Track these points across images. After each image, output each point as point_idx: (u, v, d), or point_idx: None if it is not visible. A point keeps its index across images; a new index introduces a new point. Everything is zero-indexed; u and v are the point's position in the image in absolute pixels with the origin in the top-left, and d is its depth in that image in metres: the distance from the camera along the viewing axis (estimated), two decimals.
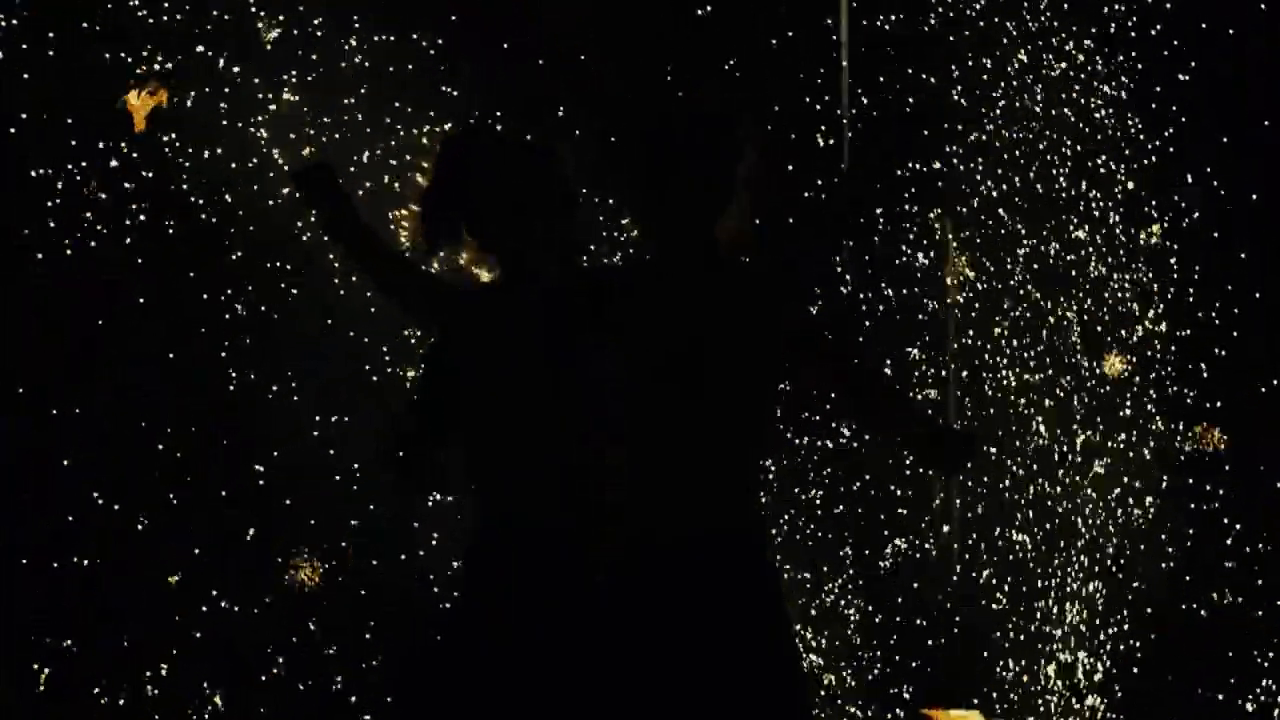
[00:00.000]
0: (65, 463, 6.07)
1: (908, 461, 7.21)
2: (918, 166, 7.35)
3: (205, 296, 6.32)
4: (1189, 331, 7.57)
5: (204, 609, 6.20)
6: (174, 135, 6.32)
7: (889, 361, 7.39)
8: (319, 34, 6.53)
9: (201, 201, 6.35)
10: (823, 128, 7.29)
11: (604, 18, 6.85)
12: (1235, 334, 7.52)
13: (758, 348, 4.11)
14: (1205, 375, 7.54)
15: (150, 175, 6.28)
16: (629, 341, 4.06)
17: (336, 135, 6.51)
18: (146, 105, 5.93)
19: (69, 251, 6.13)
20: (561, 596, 4.03)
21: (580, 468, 4.03)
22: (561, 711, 4.01)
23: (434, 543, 6.54)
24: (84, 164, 6.18)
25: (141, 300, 6.21)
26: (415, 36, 6.64)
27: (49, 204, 6.13)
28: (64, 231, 6.14)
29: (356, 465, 6.43)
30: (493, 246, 4.21)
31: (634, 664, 4.00)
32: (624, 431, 4.03)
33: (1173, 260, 7.58)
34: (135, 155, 6.25)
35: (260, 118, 6.43)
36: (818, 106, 7.28)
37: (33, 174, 6.11)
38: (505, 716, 4.02)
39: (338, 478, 6.42)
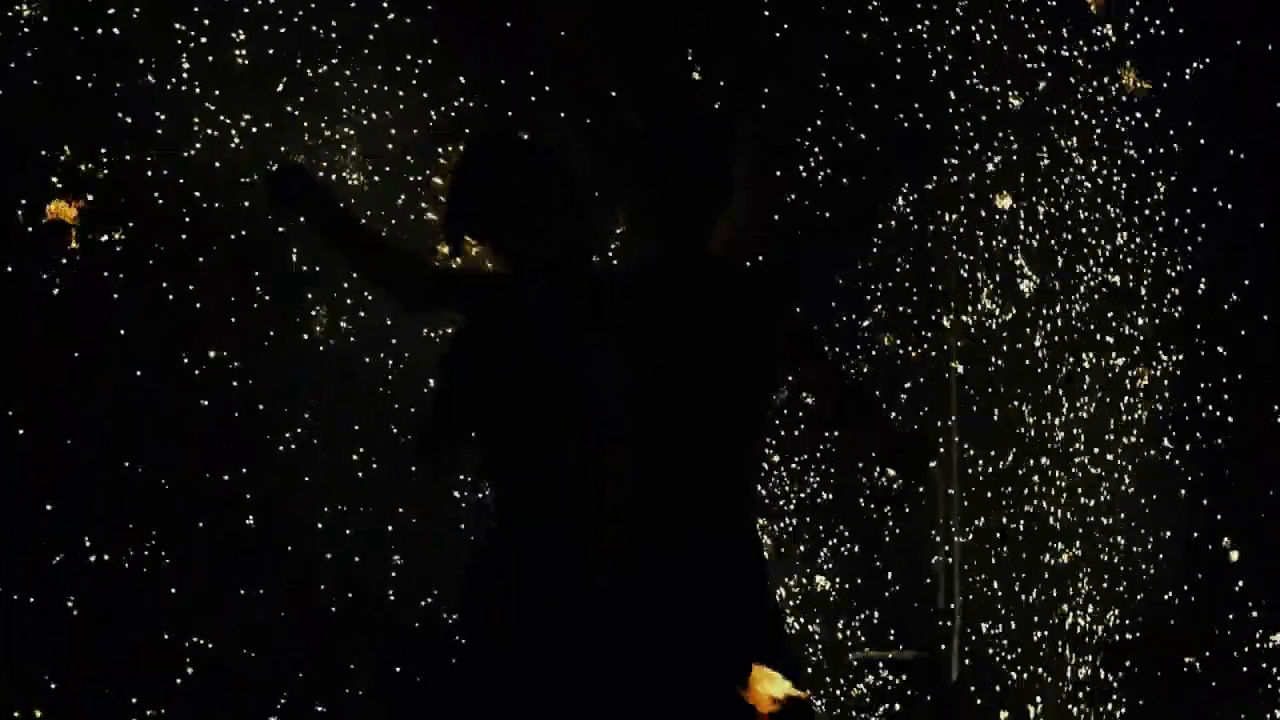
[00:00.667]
0: (59, 467, 6.08)
1: (877, 463, 7.21)
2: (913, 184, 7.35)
3: (200, 299, 6.33)
4: (1198, 335, 7.57)
5: (201, 616, 6.22)
6: (166, 136, 6.33)
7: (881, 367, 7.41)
8: (317, 37, 6.54)
9: (199, 204, 6.35)
10: (816, 148, 7.30)
11: (604, 17, 6.85)
12: (1241, 339, 7.53)
13: (757, 348, 4.12)
14: (1211, 388, 7.55)
15: (147, 178, 6.29)
16: (629, 341, 4.06)
17: (334, 138, 6.52)
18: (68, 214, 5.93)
19: (64, 254, 6.13)
20: (562, 596, 4.03)
21: (580, 468, 4.03)
22: (561, 710, 4.01)
23: (426, 549, 6.56)
24: (79, 166, 6.19)
25: (138, 302, 6.21)
26: (409, 20, 6.64)
27: (44, 205, 6.14)
28: (58, 233, 6.15)
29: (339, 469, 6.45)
30: (497, 246, 4.21)
31: (632, 662, 3.99)
32: (624, 431, 4.03)
33: (1173, 272, 7.58)
34: (130, 157, 6.26)
35: (255, 119, 6.44)
36: (818, 121, 7.29)
37: (28, 174, 6.12)
38: (506, 715, 4.01)
39: (329, 485, 6.43)
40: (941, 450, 7.43)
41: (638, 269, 4.27)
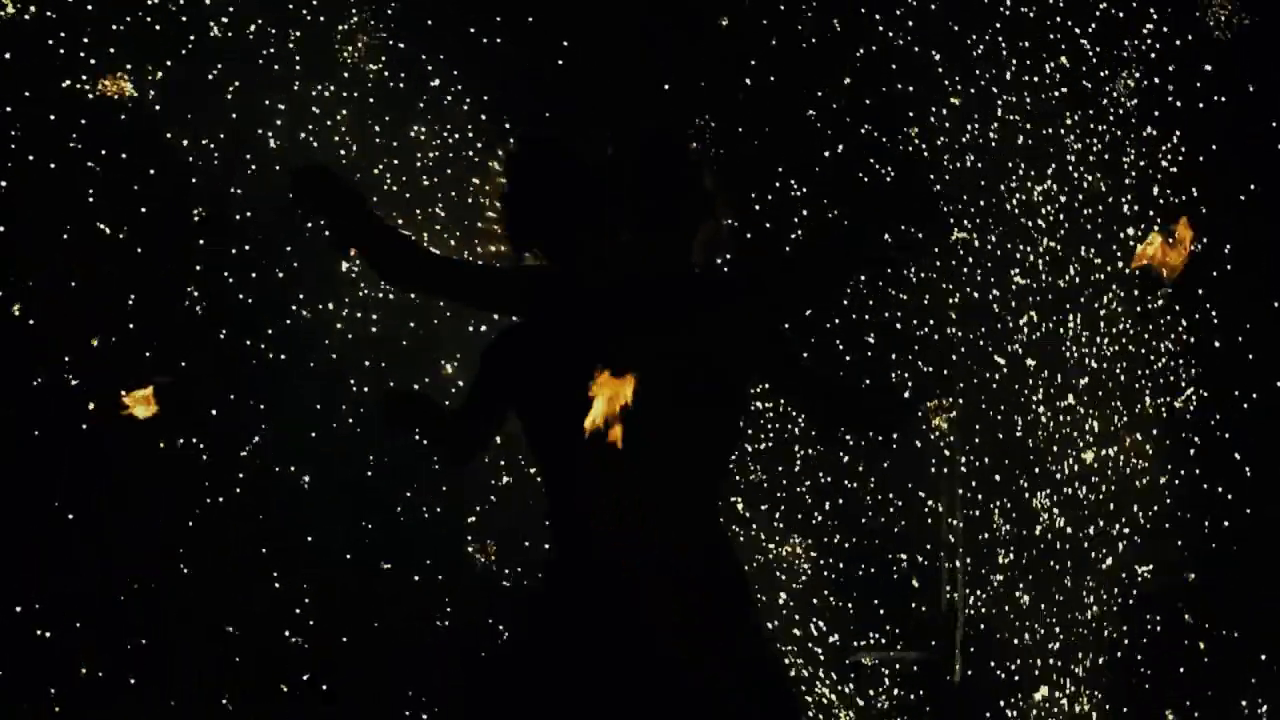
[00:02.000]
0: (49, 472, 6.14)
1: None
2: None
3: (201, 298, 6.38)
4: (1200, 336, 7.55)
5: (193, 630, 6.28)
6: (172, 139, 6.38)
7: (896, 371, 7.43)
8: (324, 39, 6.59)
9: (203, 204, 6.41)
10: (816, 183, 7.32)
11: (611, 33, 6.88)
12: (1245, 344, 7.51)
13: (730, 358, 4.13)
14: (1214, 386, 7.52)
15: (153, 178, 6.35)
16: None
17: (335, 140, 6.57)
18: None
19: (63, 254, 6.19)
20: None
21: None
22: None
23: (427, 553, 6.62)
24: (80, 165, 6.24)
25: (135, 302, 6.27)
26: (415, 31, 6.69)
27: (44, 204, 6.20)
28: (58, 233, 6.21)
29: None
30: (551, 255, 4.22)
31: (608, 677, 4.01)
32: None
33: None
34: (135, 158, 6.32)
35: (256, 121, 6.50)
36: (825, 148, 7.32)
37: (30, 173, 6.18)
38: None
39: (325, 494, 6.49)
40: (945, 448, 7.46)
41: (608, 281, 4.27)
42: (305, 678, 6.44)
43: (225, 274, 6.37)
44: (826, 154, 7.37)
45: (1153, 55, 7.49)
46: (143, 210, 6.28)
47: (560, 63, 6.86)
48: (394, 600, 6.51)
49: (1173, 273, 4.63)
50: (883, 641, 7.48)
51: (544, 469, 4.12)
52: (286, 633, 6.43)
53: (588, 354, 4.02)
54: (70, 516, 6.18)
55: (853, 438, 7.30)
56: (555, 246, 4.15)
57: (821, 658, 7.36)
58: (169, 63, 6.36)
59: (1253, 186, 7.42)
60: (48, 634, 6.15)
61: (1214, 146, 7.45)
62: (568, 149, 4.16)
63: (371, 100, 6.65)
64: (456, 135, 6.77)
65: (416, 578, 6.60)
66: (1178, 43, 7.45)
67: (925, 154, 7.40)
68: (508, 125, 6.72)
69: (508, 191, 4.17)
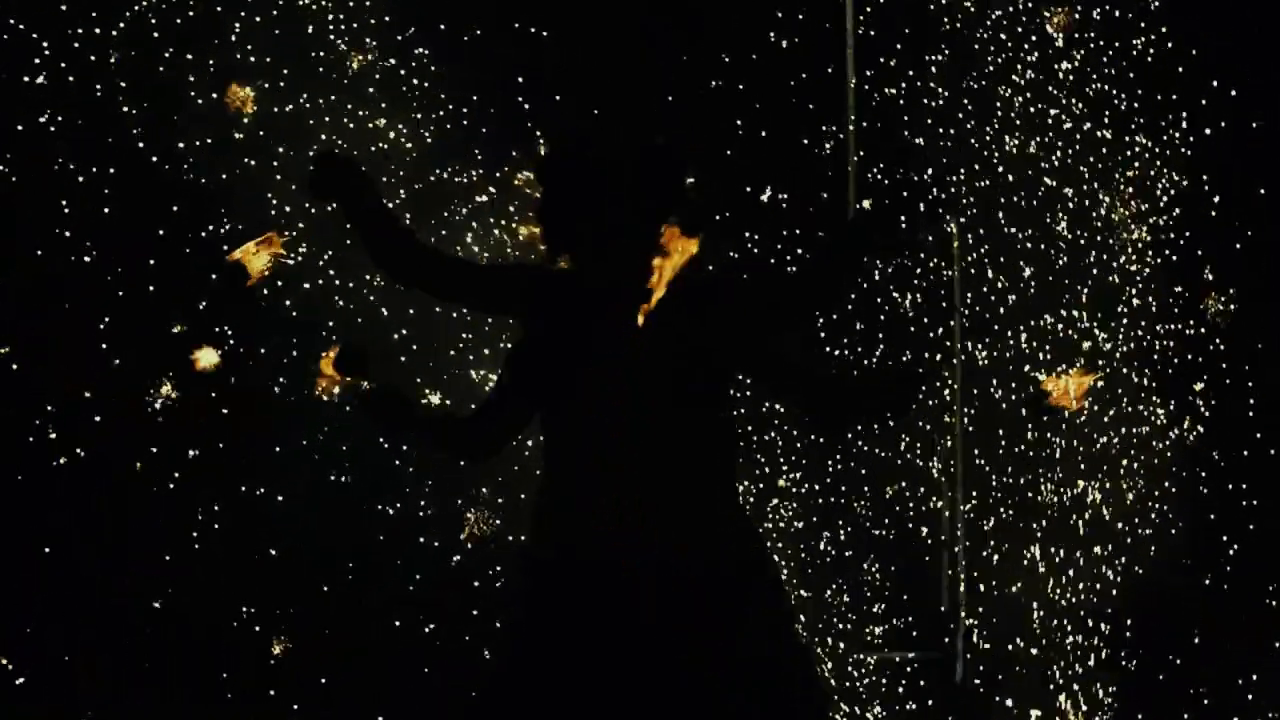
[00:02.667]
0: (57, 466, 6.13)
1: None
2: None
3: (201, 298, 6.38)
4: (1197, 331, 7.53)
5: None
6: (172, 138, 6.38)
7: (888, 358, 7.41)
8: (314, 37, 6.59)
9: (202, 202, 6.41)
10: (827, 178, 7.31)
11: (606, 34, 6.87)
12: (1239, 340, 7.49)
13: (730, 358, 4.13)
14: (1208, 381, 7.50)
15: (152, 178, 6.34)
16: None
17: (334, 137, 6.57)
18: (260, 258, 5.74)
19: (63, 252, 6.19)
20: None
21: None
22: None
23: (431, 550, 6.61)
24: (82, 164, 6.24)
25: (136, 301, 6.26)
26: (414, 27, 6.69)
27: (44, 204, 6.20)
28: (60, 232, 6.21)
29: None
30: (580, 260, 4.21)
31: (608, 678, 4.01)
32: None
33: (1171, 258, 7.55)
34: (137, 156, 6.31)
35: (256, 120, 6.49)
36: (827, 148, 7.30)
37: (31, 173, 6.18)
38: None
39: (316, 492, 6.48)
40: (947, 443, 7.44)
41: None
42: (301, 683, 6.43)
43: (209, 278, 6.36)
44: (822, 153, 7.36)
45: (1150, 60, 7.49)
46: (108, 211, 6.26)
47: (560, 63, 6.85)
48: (390, 603, 6.51)
49: (1067, 408, 4.80)
50: (883, 642, 7.47)
51: (557, 468, 4.13)
52: (283, 637, 6.42)
53: (591, 354, 4.02)
54: (64, 526, 6.18)
55: (858, 431, 7.29)
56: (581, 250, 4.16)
57: (819, 659, 7.35)
58: (151, 62, 6.35)
59: (1261, 190, 7.41)
60: (42, 641, 6.14)
61: (1216, 149, 7.44)
62: (599, 148, 4.14)
63: (365, 100, 6.64)
64: (453, 135, 6.77)
65: (411, 581, 6.60)
66: (1180, 56, 7.44)
67: (925, 156, 7.39)
68: (492, 110, 6.72)
69: (546, 197, 4.16)
